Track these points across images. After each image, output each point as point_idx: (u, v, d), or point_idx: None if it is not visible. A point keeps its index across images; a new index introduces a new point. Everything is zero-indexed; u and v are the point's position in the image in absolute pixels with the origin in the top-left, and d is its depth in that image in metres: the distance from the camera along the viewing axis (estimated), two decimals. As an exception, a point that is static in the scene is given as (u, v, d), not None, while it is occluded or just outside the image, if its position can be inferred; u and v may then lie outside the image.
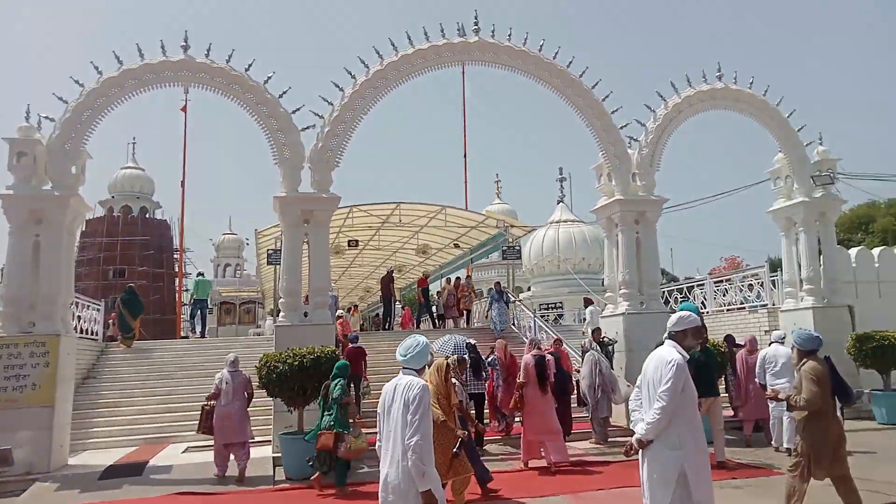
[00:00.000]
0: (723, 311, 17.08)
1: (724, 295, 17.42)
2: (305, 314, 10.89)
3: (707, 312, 17.35)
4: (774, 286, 15.74)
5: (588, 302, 18.58)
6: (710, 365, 9.37)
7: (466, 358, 9.98)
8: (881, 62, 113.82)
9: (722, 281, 17.82)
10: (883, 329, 12.43)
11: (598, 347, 11.30)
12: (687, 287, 18.65)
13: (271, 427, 10.30)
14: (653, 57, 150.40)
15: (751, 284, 16.49)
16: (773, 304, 15.30)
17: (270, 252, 18.70)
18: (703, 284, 18.12)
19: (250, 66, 11.09)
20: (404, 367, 4.03)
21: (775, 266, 17.70)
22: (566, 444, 9.33)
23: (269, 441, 10.37)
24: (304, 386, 9.09)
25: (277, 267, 17.24)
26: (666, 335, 4.49)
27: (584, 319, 18.53)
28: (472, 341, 11.18)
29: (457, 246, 23.33)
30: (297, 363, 9.09)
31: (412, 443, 3.65)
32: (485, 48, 12.25)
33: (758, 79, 13.62)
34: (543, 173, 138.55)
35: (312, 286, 11.15)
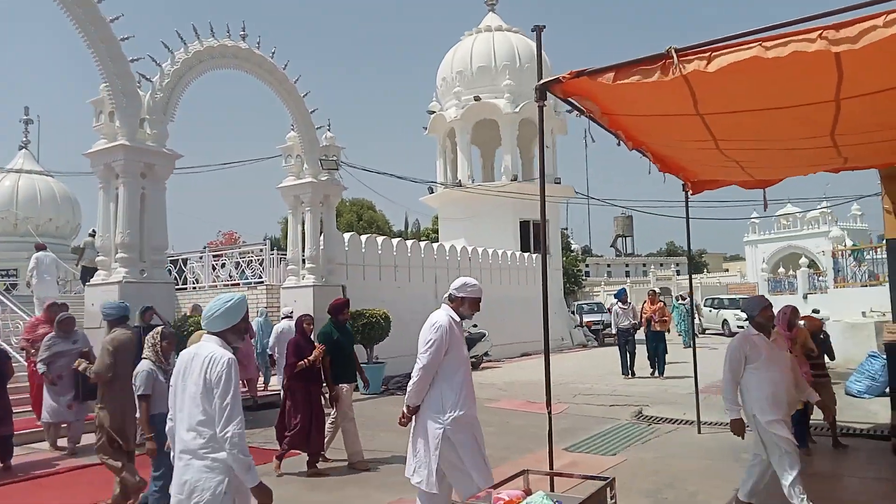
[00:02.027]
0: (217, 286, 16.23)
1: (221, 269, 16.60)
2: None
3: (203, 287, 16.24)
4: (272, 264, 15.76)
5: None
6: (347, 345, 8.02)
7: None
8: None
9: (221, 255, 16.96)
10: (367, 307, 13.58)
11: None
12: (182, 259, 17.12)
13: None
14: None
15: (251, 261, 16.13)
16: (273, 282, 15.24)
17: None
18: (201, 258, 16.91)
19: None
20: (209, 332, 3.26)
21: (273, 245, 17.81)
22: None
23: None
24: None
25: None
26: (445, 296, 4.37)
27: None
28: None
29: None
30: None
31: (228, 435, 2.99)
32: None
33: (287, 56, 13.26)
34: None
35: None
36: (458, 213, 23.27)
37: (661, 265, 70.79)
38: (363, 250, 15.68)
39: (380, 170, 16.92)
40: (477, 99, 23.10)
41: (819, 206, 60.22)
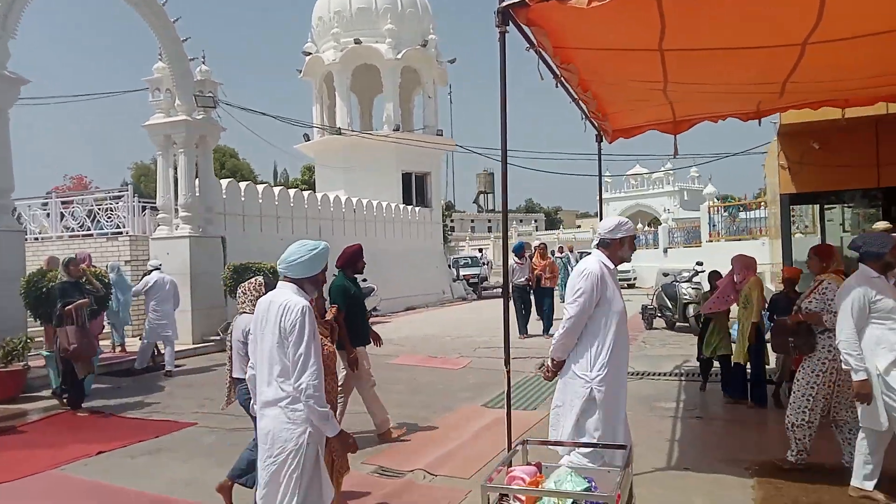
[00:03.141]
0: (64, 237, 14.17)
1: (71, 218, 14.45)
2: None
3: (50, 238, 14.11)
4: (133, 213, 13.94)
5: None
6: (362, 301, 6.52)
7: None
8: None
9: (71, 202, 14.77)
10: (250, 261, 12.45)
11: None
12: (25, 205, 14.73)
13: None
14: None
15: (108, 208, 14.17)
16: (137, 233, 13.52)
17: None
18: (46, 204, 14.63)
19: None
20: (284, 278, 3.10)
21: (136, 190, 15.79)
22: None
23: None
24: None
25: None
26: (596, 242, 3.89)
27: None
28: None
29: None
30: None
31: (303, 386, 2.87)
32: None
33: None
34: None
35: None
36: (336, 162, 22.13)
37: (521, 221, 73.48)
38: (243, 199, 14.36)
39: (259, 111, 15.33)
40: (357, 42, 21.86)
41: (663, 168, 65.12)
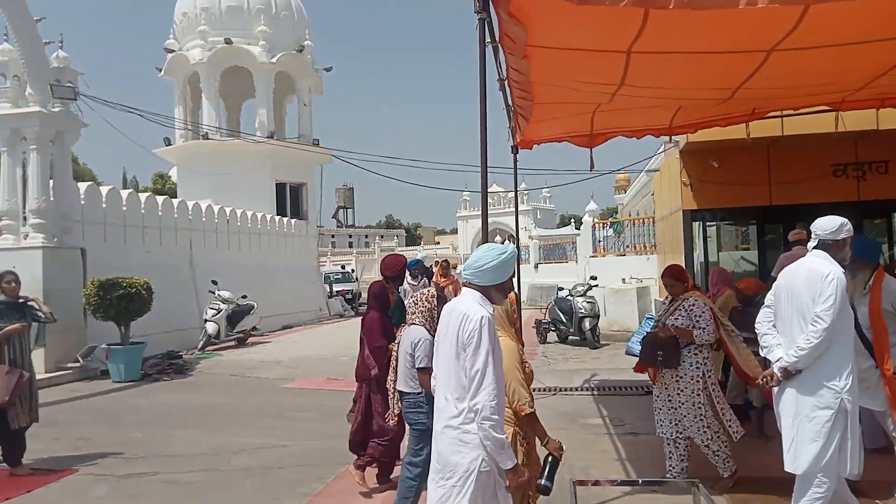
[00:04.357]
0: None
1: None
2: None
3: None
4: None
5: None
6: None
7: None
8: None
9: None
10: (116, 276, 10.93)
11: None
12: None
13: None
14: None
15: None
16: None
17: None
18: None
19: None
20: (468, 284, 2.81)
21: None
22: None
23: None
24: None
25: None
26: (814, 243, 3.68)
27: None
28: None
29: None
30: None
31: (478, 406, 2.54)
32: None
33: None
34: None
35: None
36: (202, 169, 20.40)
37: (383, 237, 73.13)
38: (104, 205, 12.62)
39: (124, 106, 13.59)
40: (228, 42, 20.42)
41: (520, 188, 68.06)
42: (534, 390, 9.29)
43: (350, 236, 73.57)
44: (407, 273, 9.96)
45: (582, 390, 9.08)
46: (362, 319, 5.47)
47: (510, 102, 6.67)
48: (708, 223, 11.65)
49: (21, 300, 6.01)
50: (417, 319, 4.21)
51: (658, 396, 4.92)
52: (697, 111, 6.98)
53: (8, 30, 10.55)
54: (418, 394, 4.19)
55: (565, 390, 9.02)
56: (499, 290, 2.82)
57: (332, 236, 71.02)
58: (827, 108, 7.16)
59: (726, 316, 6.16)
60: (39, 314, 6.09)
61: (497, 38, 4.53)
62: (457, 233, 76.03)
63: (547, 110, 7.10)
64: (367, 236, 75.59)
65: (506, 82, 5.81)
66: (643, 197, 24.88)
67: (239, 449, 6.66)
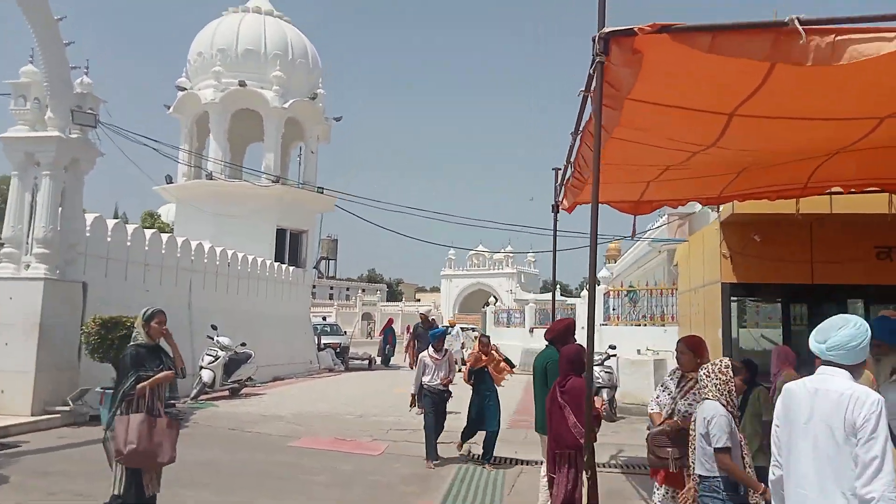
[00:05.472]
0: None
1: None
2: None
3: None
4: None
5: None
6: None
7: None
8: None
9: None
10: (117, 314, 10.27)
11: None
12: None
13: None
14: None
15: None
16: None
17: None
18: None
19: None
20: (826, 363, 2.60)
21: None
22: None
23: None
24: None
25: None
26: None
27: None
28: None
29: None
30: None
31: (873, 495, 2.27)
32: None
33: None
34: None
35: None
36: (204, 210, 19.90)
37: (364, 291, 72.37)
38: (109, 239, 12.04)
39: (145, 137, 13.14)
40: (242, 84, 20.29)
41: (504, 250, 68.03)
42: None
43: (331, 288, 72.62)
44: (430, 347, 8.87)
45: (610, 467, 8.58)
46: (561, 386, 5.05)
47: (572, 159, 6.45)
48: (739, 298, 11.38)
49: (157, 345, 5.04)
50: (711, 394, 3.78)
51: (665, 496, 4.25)
52: (755, 179, 6.81)
53: (34, 51, 10.20)
54: (715, 478, 3.75)
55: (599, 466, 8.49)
56: (858, 370, 2.66)
57: (314, 287, 70.23)
58: (876, 189, 7.12)
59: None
60: (169, 362, 4.97)
61: (590, 89, 4.29)
62: (437, 290, 75.69)
63: (610, 172, 6.87)
64: (348, 289, 74.72)
65: (579, 137, 5.56)
66: (639, 267, 24.81)
67: (256, 515, 6.03)
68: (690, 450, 3.93)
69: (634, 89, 4.15)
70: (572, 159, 6.47)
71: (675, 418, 4.15)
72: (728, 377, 3.75)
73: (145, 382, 4.62)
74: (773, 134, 5.00)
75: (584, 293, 20.77)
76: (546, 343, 6.03)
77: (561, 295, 60.26)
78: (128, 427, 4.51)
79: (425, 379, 8.67)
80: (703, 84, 4.09)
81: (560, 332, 5.60)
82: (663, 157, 6.04)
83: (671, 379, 4.71)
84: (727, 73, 3.74)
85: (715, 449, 3.67)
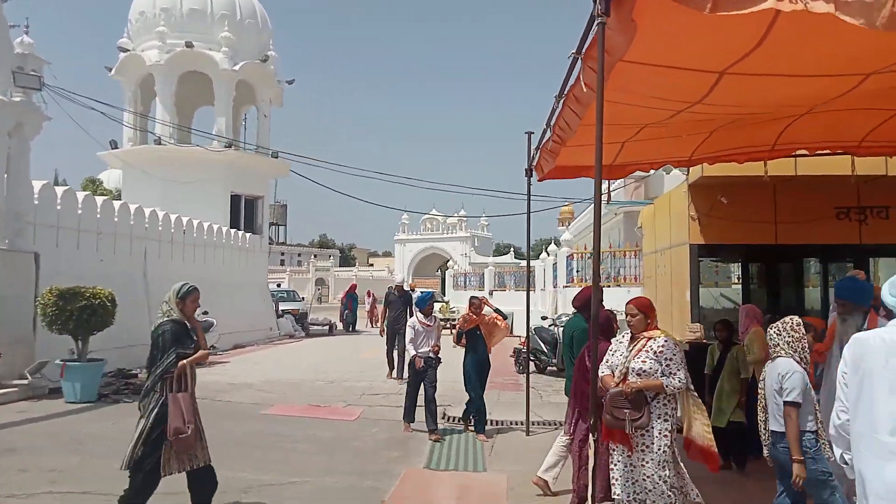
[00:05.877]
0: None
1: None
2: None
3: None
4: None
5: None
6: None
7: None
8: None
9: None
10: (72, 285, 9.86)
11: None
12: None
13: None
14: None
15: None
16: None
17: None
18: None
19: None
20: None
21: None
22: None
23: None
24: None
25: None
26: None
27: None
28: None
29: None
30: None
31: None
32: None
33: None
34: None
35: None
36: (153, 176, 19.15)
37: (316, 256, 71.59)
38: (58, 207, 11.47)
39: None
40: (189, 46, 19.43)
41: (458, 214, 68.05)
42: (534, 424, 8.81)
43: (282, 254, 71.55)
44: (417, 311, 8.36)
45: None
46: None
47: (552, 123, 6.40)
48: (701, 259, 11.68)
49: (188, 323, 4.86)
50: (783, 351, 3.91)
51: (615, 450, 4.16)
52: (725, 141, 6.92)
53: (-32, 7, 9.50)
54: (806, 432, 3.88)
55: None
56: None
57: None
58: (841, 151, 7.35)
59: (750, 354, 5.99)
60: (196, 338, 4.82)
61: (581, 51, 4.22)
62: (390, 255, 75.47)
63: (588, 134, 6.86)
64: (300, 255, 73.81)
65: (562, 101, 5.49)
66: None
67: (245, 486, 5.96)
68: (691, 410, 4.08)
69: (628, 52, 4.12)
70: (552, 122, 6.42)
71: (630, 379, 4.16)
72: (801, 334, 3.84)
73: (185, 361, 4.49)
74: (760, 90, 5.04)
75: (543, 255, 21.04)
76: (573, 311, 6.23)
77: (515, 258, 60.97)
78: (182, 406, 4.40)
79: (414, 346, 8.08)
80: (698, 43, 4.07)
81: (588, 300, 5.63)
82: (643, 116, 6.02)
83: (620, 341, 4.59)
84: (725, 31, 3.73)
85: (784, 402, 3.77)
